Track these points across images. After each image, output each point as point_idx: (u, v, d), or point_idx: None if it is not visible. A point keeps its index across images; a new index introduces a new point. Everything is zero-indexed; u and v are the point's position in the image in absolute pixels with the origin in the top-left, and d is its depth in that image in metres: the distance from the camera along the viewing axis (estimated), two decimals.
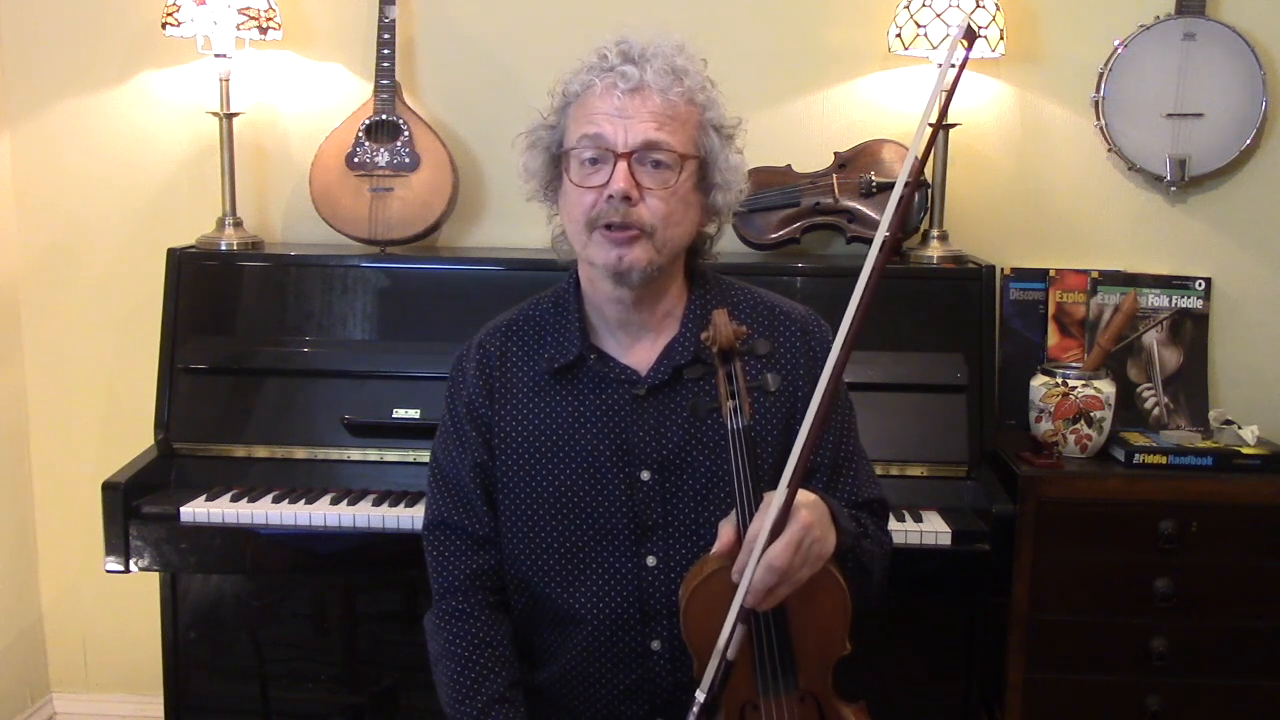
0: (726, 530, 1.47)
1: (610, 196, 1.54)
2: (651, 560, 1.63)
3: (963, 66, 1.50)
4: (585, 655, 1.65)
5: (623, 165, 1.54)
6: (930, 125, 1.49)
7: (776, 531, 1.40)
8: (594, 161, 1.57)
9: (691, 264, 1.70)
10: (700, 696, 1.42)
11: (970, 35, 1.47)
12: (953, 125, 2.68)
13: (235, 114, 2.73)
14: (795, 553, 1.40)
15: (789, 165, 2.73)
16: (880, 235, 1.41)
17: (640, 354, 1.66)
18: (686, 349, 1.63)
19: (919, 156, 1.45)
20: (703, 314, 1.65)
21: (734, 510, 1.48)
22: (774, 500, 1.40)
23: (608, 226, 1.56)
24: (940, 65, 1.47)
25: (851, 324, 1.41)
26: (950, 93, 1.51)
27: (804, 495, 1.45)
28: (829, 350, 1.67)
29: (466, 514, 1.69)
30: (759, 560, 1.39)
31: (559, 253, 1.72)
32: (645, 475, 1.63)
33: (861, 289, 1.40)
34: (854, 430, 1.73)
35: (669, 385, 1.64)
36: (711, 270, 1.73)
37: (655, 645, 1.63)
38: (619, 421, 1.64)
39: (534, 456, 1.66)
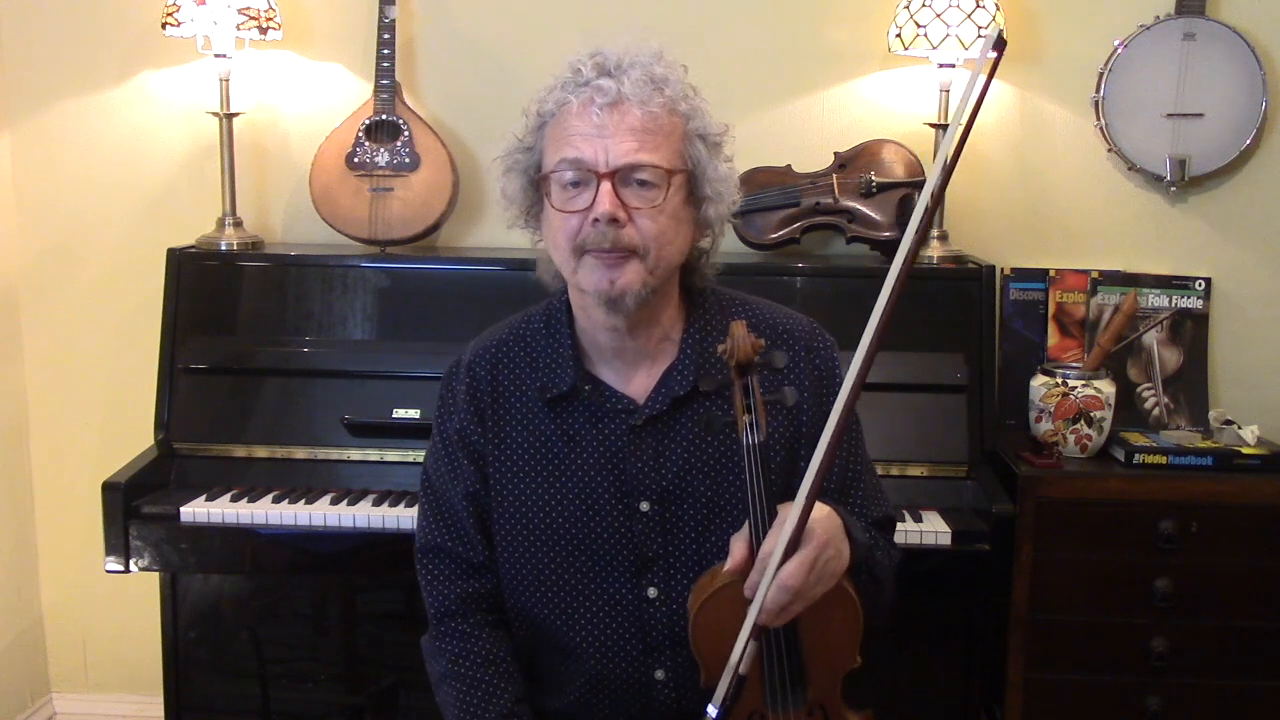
0: (739, 546, 1.42)
1: (596, 220, 1.47)
2: (652, 592, 1.59)
3: (990, 77, 1.40)
4: (589, 686, 1.62)
5: (606, 186, 1.46)
6: (953, 144, 1.41)
7: (791, 550, 1.36)
8: (575, 184, 1.49)
9: (686, 283, 1.63)
10: (713, 712, 1.40)
11: (1000, 44, 1.38)
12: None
13: (235, 114, 2.73)
14: (810, 572, 1.37)
15: (789, 165, 2.73)
16: (897, 265, 1.34)
17: (637, 382, 1.60)
18: (685, 377, 1.58)
19: (934, 193, 1.38)
20: (701, 338, 1.60)
21: (746, 524, 1.44)
22: (789, 517, 1.37)
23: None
24: (967, 69, 1.42)
25: (870, 347, 1.35)
26: (977, 106, 1.41)
27: (818, 509, 1.40)
28: (833, 364, 1.65)
29: (460, 541, 1.65)
30: (773, 579, 1.35)
31: (546, 279, 1.64)
32: (644, 506, 1.58)
33: (880, 310, 1.34)
34: (862, 447, 1.68)
35: (667, 415, 1.58)
36: (712, 287, 1.66)
37: (659, 675, 1.60)
38: (616, 452, 1.58)
39: (529, 487, 1.61)
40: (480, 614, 1.66)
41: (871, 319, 1.36)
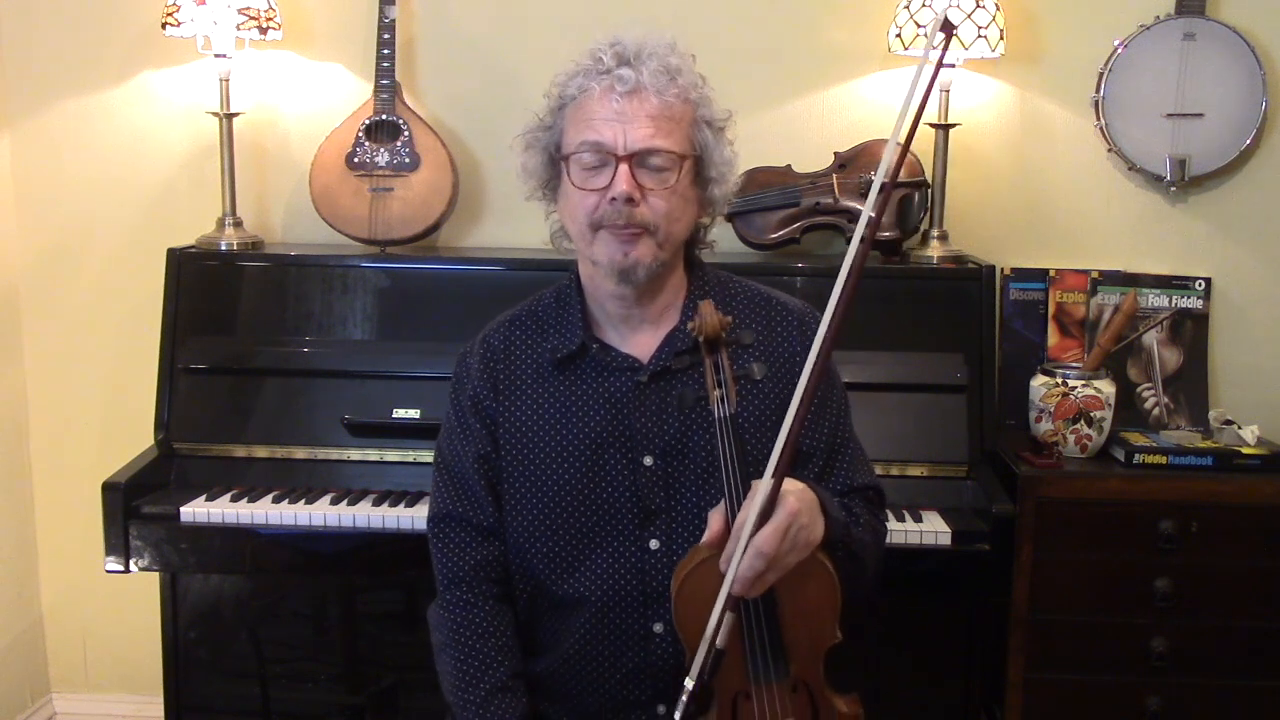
0: (715, 519, 1.50)
1: (614, 199, 1.58)
2: (655, 544, 1.65)
3: (940, 61, 1.50)
4: (588, 639, 1.67)
5: (624, 168, 1.57)
6: (900, 137, 1.48)
7: (764, 518, 1.41)
8: (595, 165, 1.60)
9: (689, 255, 1.74)
10: (689, 684, 1.43)
11: (948, 27, 1.48)
12: (953, 125, 2.67)
13: (235, 114, 2.73)
14: (782, 539, 1.42)
15: (789, 165, 2.73)
16: (863, 224, 1.41)
17: (641, 344, 1.69)
18: (687, 338, 1.66)
19: (891, 168, 1.44)
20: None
21: (723, 499, 1.50)
22: (760, 488, 1.42)
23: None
24: (924, 59, 1.46)
25: (835, 309, 1.43)
26: (929, 87, 1.49)
27: (792, 483, 1.47)
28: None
29: (470, 505, 1.71)
30: (746, 547, 1.41)
31: (558, 249, 1.75)
32: (648, 460, 1.66)
33: (845, 274, 1.43)
34: (848, 418, 1.76)
35: (669, 372, 1.67)
36: (710, 266, 1.77)
37: (658, 628, 1.65)
38: (621, 408, 1.67)
39: (539, 444, 1.68)
40: (486, 584, 1.71)
41: (835, 289, 1.44)
